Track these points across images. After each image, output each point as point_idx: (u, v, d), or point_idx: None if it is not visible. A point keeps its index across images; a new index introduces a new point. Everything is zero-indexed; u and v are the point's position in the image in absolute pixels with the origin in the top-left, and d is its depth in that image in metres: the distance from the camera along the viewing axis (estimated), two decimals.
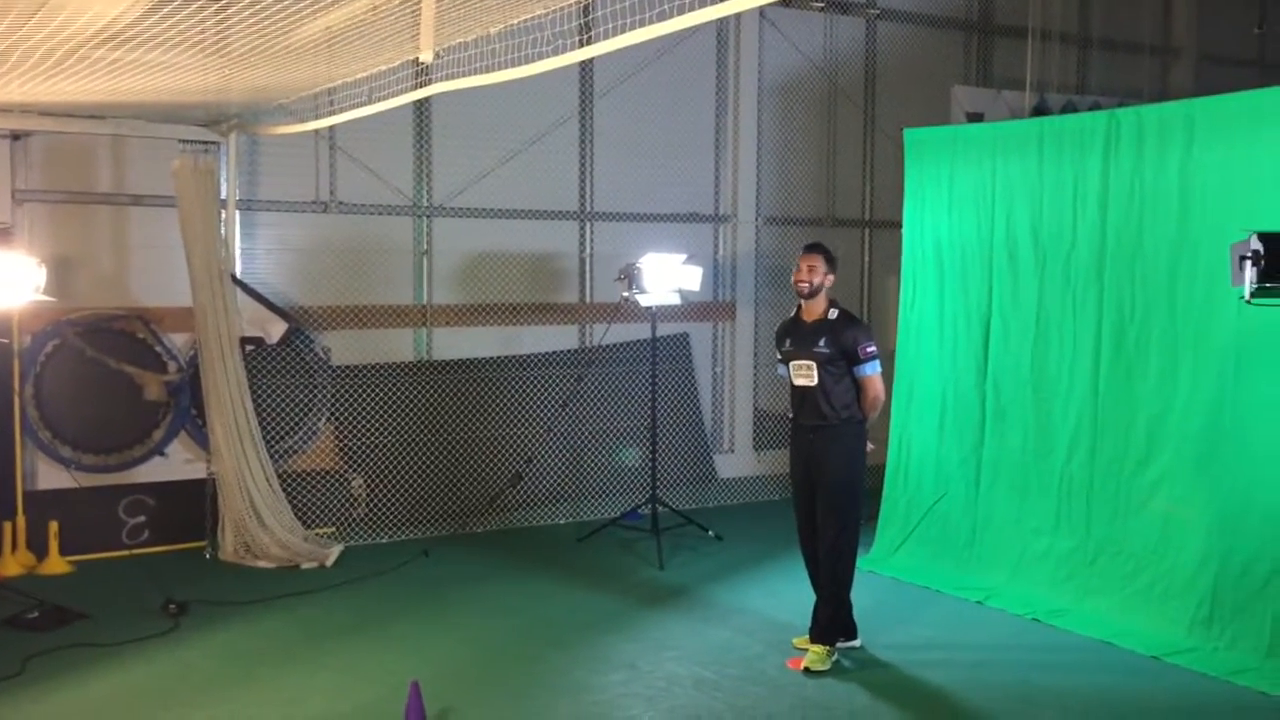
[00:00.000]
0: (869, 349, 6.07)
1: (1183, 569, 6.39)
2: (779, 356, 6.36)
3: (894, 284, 8.61)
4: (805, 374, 6.12)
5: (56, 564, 7.72)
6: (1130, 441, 6.71)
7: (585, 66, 9.66)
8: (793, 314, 6.33)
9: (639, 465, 9.32)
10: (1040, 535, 7.20)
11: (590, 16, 4.73)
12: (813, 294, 6.14)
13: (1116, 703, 5.66)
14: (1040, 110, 10.67)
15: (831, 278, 6.18)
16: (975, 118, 10.60)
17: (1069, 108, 10.81)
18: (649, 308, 8.45)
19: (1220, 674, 5.92)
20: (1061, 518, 7.09)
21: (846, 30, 10.99)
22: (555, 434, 9.33)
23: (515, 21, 4.82)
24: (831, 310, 6.16)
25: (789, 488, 6.55)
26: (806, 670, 5.96)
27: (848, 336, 6.07)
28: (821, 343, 6.08)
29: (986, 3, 11.74)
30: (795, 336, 6.23)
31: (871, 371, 6.08)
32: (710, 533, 8.60)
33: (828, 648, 6.04)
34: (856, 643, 6.29)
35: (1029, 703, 5.64)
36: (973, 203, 7.67)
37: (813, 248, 6.21)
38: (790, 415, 6.32)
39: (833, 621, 6.10)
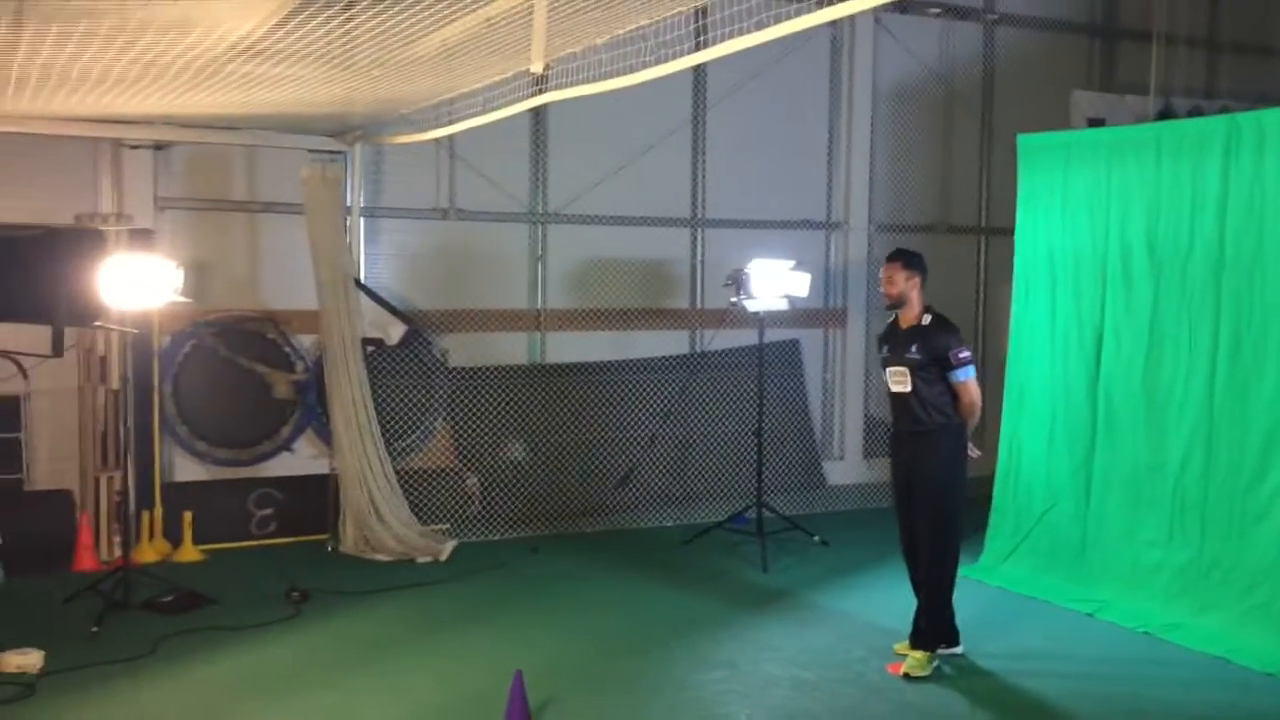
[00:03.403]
0: (962, 354, 6.02)
1: None
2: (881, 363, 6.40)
3: (1009, 291, 8.51)
4: (900, 380, 6.11)
5: (190, 552, 8.13)
6: (1246, 453, 6.52)
7: (698, 75, 9.79)
8: (891, 320, 6.35)
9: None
10: (1153, 548, 7.05)
11: (704, 20, 4.82)
12: (898, 303, 6.16)
13: (1229, 719, 5.53)
14: (1165, 115, 10.40)
15: (915, 280, 6.13)
16: (1096, 123, 10.38)
17: (1195, 112, 10.50)
18: (756, 313, 8.53)
19: None
20: (1175, 531, 6.93)
21: (963, 36, 10.90)
22: (663, 438, 9.45)
23: (623, 31, 4.96)
24: (925, 315, 6.13)
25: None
26: (906, 676, 5.96)
27: (939, 342, 6.03)
28: (914, 349, 6.06)
29: (1110, 6, 11.50)
30: (891, 343, 6.24)
31: (965, 377, 6.01)
32: (816, 538, 8.62)
33: (928, 654, 6.03)
34: (959, 649, 6.26)
35: (1137, 716, 5.55)
36: (1087, 209, 7.55)
37: (891, 256, 6.22)
38: (890, 422, 6.33)
39: (933, 627, 6.09)
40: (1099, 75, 11.46)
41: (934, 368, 6.03)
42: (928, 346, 6.04)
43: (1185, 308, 6.92)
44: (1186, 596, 6.82)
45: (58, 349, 5.10)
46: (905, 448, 6.18)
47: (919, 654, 6.02)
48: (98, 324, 6.81)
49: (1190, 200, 6.90)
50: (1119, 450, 7.29)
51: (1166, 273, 7.05)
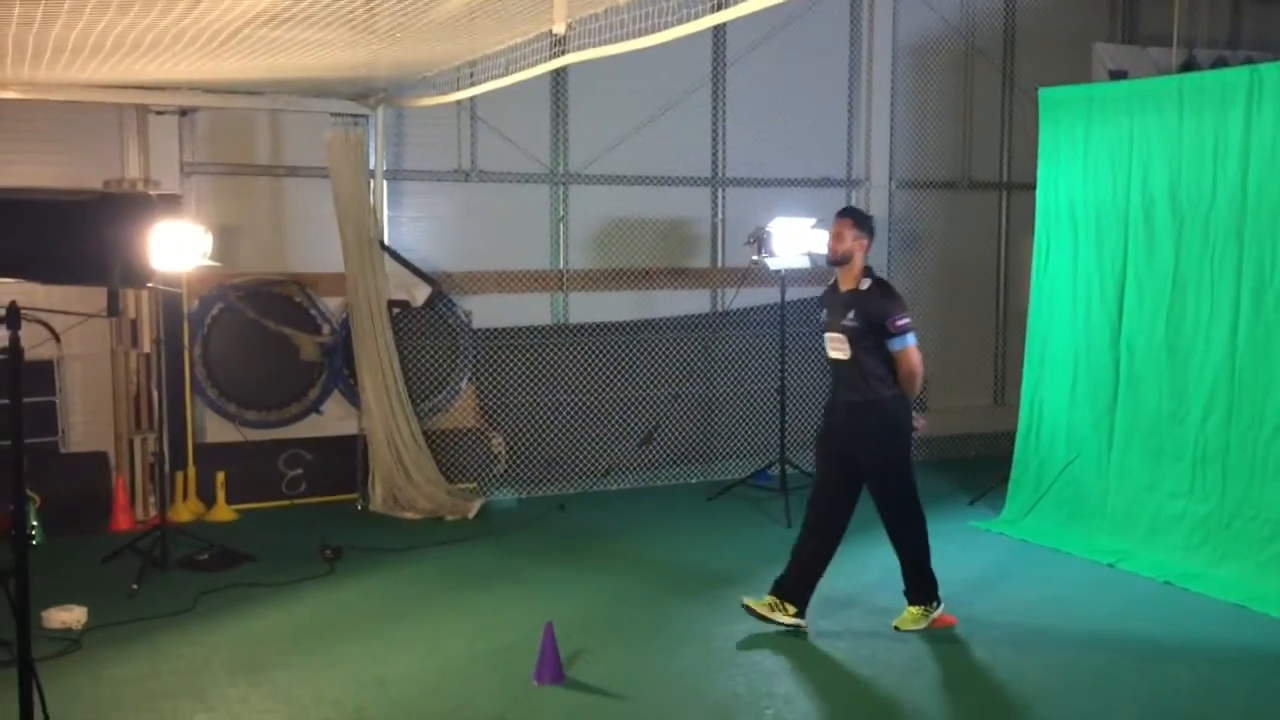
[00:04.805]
0: (900, 321, 5.70)
1: None
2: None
3: (1030, 246, 8.52)
4: (839, 347, 5.86)
5: (223, 512, 8.30)
6: (1268, 404, 6.57)
7: (718, 34, 9.77)
8: (831, 282, 6.07)
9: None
10: (1175, 499, 7.12)
11: None
12: (840, 261, 5.88)
13: (1247, 663, 5.62)
14: (1189, 67, 10.32)
15: (863, 242, 5.86)
16: (1118, 76, 10.32)
17: (1219, 63, 10.43)
18: (778, 271, 8.57)
19: None
20: (1196, 482, 6.99)
21: None
22: (686, 396, 9.53)
23: None
24: (864, 280, 5.83)
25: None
26: (897, 629, 5.98)
27: (876, 309, 5.73)
28: (851, 315, 5.77)
29: None
30: (829, 306, 5.96)
31: (902, 345, 5.71)
32: None
33: (923, 607, 6.00)
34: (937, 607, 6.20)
35: (1156, 662, 5.64)
36: (1108, 162, 7.56)
37: (842, 212, 5.97)
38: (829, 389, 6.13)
39: (921, 582, 6.01)
40: (1121, 27, 11.37)
41: (873, 336, 5.74)
42: (864, 313, 5.76)
43: (1207, 259, 6.94)
44: (1207, 546, 6.89)
45: (113, 309, 5.25)
46: (842, 418, 5.96)
47: (914, 609, 6.02)
48: (150, 285, 6.92)
49: (1212, 152, 6.91)
50: (1141, 402, 7.34)
51: (1189, 225, 7.06)
